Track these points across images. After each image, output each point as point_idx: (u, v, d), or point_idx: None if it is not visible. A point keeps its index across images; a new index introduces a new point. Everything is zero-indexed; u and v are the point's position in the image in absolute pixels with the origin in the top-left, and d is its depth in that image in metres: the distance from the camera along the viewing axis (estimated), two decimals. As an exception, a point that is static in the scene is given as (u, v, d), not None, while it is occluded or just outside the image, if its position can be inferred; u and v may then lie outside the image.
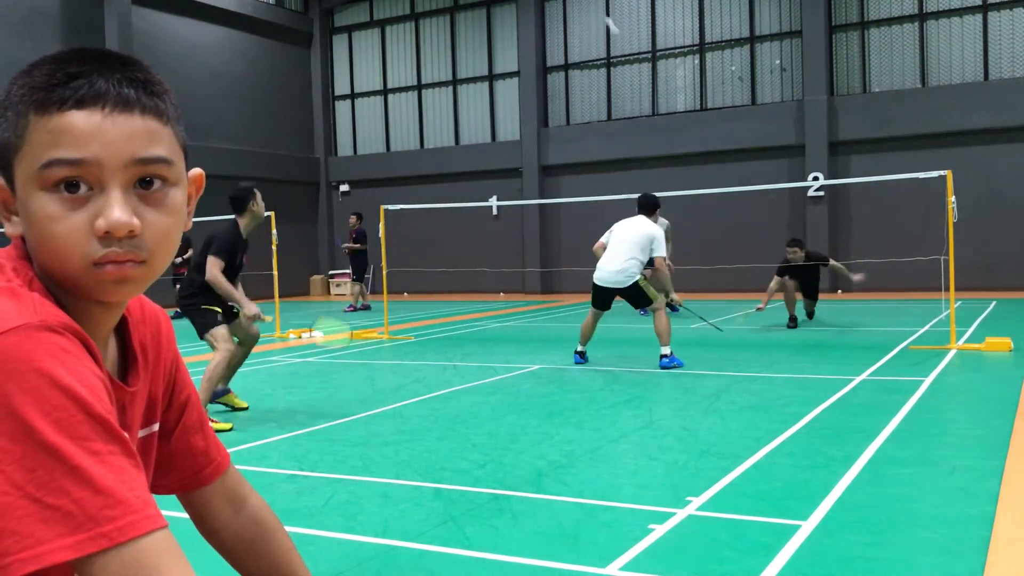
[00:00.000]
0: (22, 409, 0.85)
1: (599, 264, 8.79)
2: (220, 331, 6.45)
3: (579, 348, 9.00)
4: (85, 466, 0.85)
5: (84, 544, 0.84)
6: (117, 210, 0.96)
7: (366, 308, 17.97)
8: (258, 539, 1.34)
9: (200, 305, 6.47)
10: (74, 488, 0.84)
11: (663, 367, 8.35)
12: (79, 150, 0.95)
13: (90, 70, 0.98)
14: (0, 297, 0.93)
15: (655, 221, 8.36)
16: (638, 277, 8.58)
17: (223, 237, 6.56)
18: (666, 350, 8.45)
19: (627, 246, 8.63)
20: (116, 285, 0.99)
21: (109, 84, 0.97)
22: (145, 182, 0.99)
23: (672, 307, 9.00)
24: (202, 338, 6.50)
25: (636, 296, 8.69)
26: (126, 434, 0.92)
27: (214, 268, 6.39)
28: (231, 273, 6.53)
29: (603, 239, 8.99)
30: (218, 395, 6.76)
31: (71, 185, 0.96)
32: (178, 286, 7.63)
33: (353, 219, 18.19)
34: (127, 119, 0.97)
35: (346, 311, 17.81)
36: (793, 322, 12.13)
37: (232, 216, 6.75)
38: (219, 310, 6.51)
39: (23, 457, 0.84)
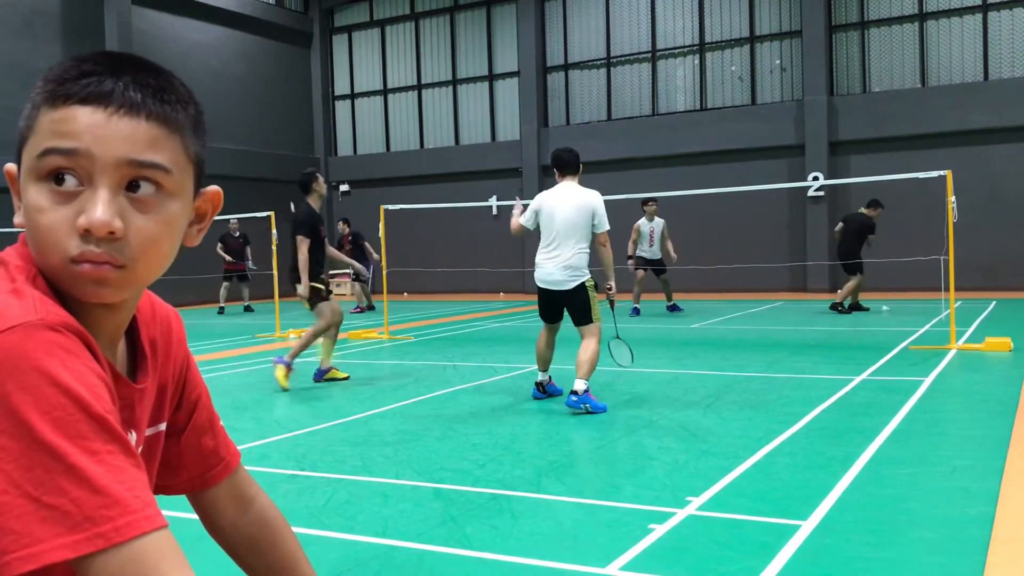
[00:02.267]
0: (21, 408, 0.85)
1: (538, 260, 6.94)
2: (323, 306, 7.92)
3: (538, 378, 7.08)
4: (82, 465, 0.85)
5: (81, 544, 0.84)
6: (100, 209, 0.95)
7: (370, 308, 17.94)
8: (265, 539, 1.34)
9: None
10: (71, 487, 0.84)
11: (569, 405, 6.39)
12: (73, 141, 0.95)
13: (102, 70, 0.98)
14: (3, 296, 0.93)
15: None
16: (586, 278, 6.74)
17: (302, 219, 7.89)
18: (582, 384, 6.36)
19: (569, 232, 6.79)
20: (93, 285, 0.98)
21: (116, 85, 0.97)
22: (136, 185, 0.98)
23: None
24: (312, 310, 8.00)
25: (580, 308, 6.71)
26: (127, 434, 0.91)
27: (302, 246, 7.76)
28: (320, 246, 8.01)
29: (526, 220, 7.05)
30: (322, 372, 8.14)
31: (61, 178, 0.96)
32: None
33: (343, 225, 18.10)
34: (130, 122, 0.97)
35: (354, 312, 17.80)
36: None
37: (305, 199, 8.01)
38: (321, 287, 7.95)
39: (21, 456, 0.84)
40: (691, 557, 3.36)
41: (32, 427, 0.85)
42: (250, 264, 17.91)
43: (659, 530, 3.66)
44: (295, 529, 3.98)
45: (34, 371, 0.87)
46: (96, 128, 0.96)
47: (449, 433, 5.83)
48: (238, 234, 17.78)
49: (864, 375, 7.67)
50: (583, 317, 6.72)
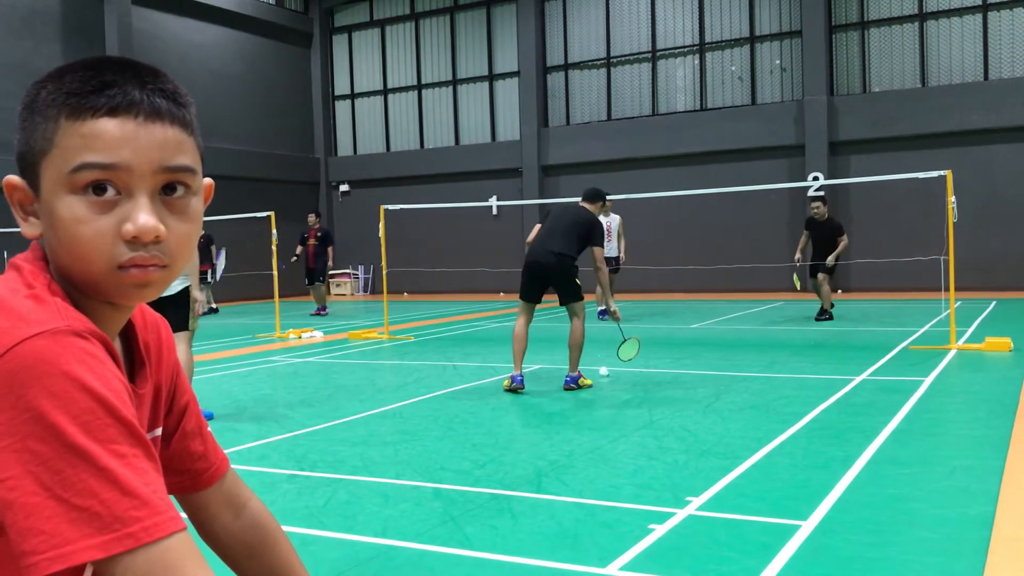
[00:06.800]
0: (50, 412, 0.87)
1: None
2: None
3: None
4: (112, 468, 0.87)
5: (111, 544, 0.85)
6: (145, 215, 0.98)
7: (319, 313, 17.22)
8: (258, 543, 1.35)
9: (576, 277, 7.63)
10: (101, 489, 0.86)
11: None
12: (111, 155, 0.97)
13: (123, 80, 1.00)
14: (25, 302, 0.95)
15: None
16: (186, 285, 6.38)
17: (600, 230, 7.60)
18: None
19: None
20: (138, 288, 1.02)
21: (143, 94, 1.00)
22: (169, 189, 1.02)
23: None
24: (566, 303, 7.56)
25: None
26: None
27: (603, 256, 7.67)
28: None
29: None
30: (573, 380, 7.50)
31: (99, 188, 0.98)
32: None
33: (313, 218, 17.23)
34: (157, 128, 1.00)
35: (313, 314, 17.47)
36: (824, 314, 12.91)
37: (581, 204, 7.79)
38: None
39: (51, 459, 0.86)
40: (691, 557, 3.36)
41: (62, 431, 0.87)
42: (220, 264, 17.41)
43: (659, 530, 3.66)
44: (295, 529, 3.99)
45: (63, 376, 0.88)
46: (129, 140, 0.98)
47: (449, 433, 5.83)
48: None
49: (864, 375, 7.67)
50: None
